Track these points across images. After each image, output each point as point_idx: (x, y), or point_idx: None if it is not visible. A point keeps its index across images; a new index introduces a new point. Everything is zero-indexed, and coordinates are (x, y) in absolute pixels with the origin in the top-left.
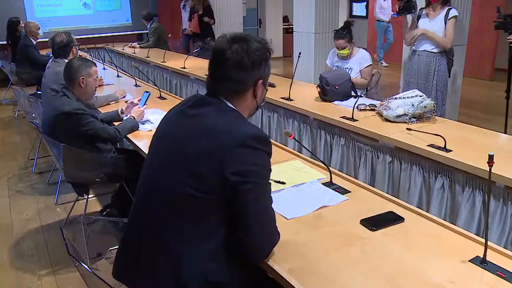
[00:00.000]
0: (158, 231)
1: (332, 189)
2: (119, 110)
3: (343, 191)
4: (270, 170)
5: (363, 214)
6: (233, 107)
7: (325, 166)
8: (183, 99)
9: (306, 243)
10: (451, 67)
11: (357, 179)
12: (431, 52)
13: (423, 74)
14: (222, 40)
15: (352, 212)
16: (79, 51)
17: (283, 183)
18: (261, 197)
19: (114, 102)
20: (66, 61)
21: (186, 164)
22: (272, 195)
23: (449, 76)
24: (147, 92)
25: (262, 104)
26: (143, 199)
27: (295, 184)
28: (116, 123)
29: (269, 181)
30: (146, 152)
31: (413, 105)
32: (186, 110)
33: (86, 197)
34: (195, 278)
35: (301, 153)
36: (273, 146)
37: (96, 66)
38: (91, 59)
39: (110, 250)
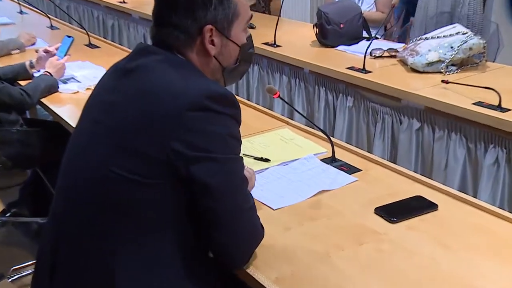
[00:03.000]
0: (82, 235)
1: (335, 167)
2: (27, 63)
3: (351, 169)
4: (239, 141)
5: (379, 200)
6: (187, 60)
7: (324, 136)
8: (126, 48)
9: (299, 242)
10: None
11: (371, 153)
12: None
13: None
14: None
15: (364, 198)
16: None
17: (266, 160)
18: (229, 178)
19: (17, 51)
20: None
21: (120, 139)
22: None
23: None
24: (69, 36)
25: (236, 65)
26: (64, 191)
27: (284, 161)
28: (23, 82)
29: (241, 155)
30: (72, 124)
31: (451, 47)
32: (124, 65)
33: None
34: None
35: (292, 119)
36: (254, 111)
37: None
38: None
39: (15, 268)
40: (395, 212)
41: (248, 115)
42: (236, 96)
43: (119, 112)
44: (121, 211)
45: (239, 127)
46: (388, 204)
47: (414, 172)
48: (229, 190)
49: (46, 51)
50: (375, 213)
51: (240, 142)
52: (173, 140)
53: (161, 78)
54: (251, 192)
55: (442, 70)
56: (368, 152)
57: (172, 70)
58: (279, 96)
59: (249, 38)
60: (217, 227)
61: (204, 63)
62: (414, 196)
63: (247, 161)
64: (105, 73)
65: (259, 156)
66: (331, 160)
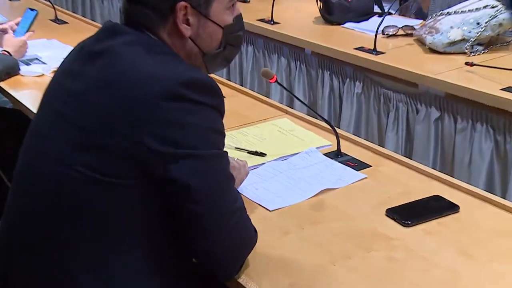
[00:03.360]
0: (39, 240)
1: (341, 162)
2: None
3: (359, 165)
4: (223, 134)
5: (392, 201)
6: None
7: (329, 127)
8: (99, 24)
9: (299, 248)
10: None
11: (383, 147)
12: None
13: None
14: None
15: (374, 198)
16: None
17: (262, 154)
18: (212, 176)
19: None
20: None
21: (84, 133)
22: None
23: None
24: (32, 10)
25: (220, 50)
26: (21, 191)
27: (282, 155)
28: None
29: (226, 150)
30: (35, 112)
31: (478, 23)
32: (91, 46)
33: None
34: None
35: (291, 107)
36: (248, 98)
37: None
38: None
39: None
40: (410, 214)
41: (241, 103)
42: (228, 82)
43: (84, 102)
44: (85, 215)
45: (222, 118)
46: (402, 205)
47: (433, 168)
48: (212, 191)
49: (2, 30)
50: (386, 215)
51: (224, 136)
52: (145, 135)
53: (131, 63)
54: (241, 186)
55: (466, 51)
56: (379, 145)
57: (144, 53)
58: (276, 81)
59: (238, 18)
60: (200, 233)
61: (179, 46)
62: (432, 196)
63: (239, 156)
64: (69, 53)
65: (253, 150)
66: (336, 155)
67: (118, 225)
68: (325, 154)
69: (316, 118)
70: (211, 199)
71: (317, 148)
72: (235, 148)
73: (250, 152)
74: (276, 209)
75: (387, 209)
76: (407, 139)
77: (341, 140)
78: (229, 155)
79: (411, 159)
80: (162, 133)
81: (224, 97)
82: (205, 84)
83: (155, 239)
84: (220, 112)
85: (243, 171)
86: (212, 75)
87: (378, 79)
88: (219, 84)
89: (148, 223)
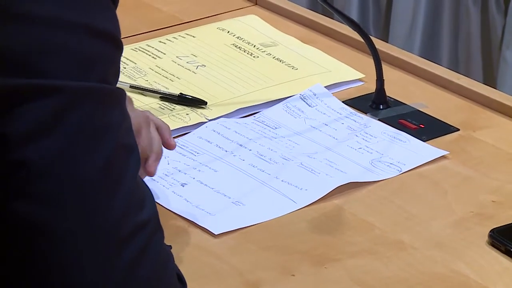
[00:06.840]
0: None
1: (386, 121)
2: None
3: (430, 126)
4: (118, 45)
5: (504, 210)
6: None
7: (356, 36)
8: None
9: None
10: None
11: (492, 86)
12: None
13: None
14: None
15: (463, 203)
16: None
17: (198, 102)
18: (86, 146)
19: None
20: None
21: None
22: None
23: None
24: None
25: None
26: None
27: (244, 105)
28: None
29: (122, 85)
30: None
31: None
32: None
33: None
34: None
35: None
36: None
37: None
38: None
39: None
40: None
41: None
42: None
43: None
44: None
45: (115, 8)
46: None
47: None
48: (86, 178)
49: None
50: (492, 242)
51: (120, 49)
52: None
53: None
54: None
55: None
56: (484, 83)
57: None
58: None
59: None
60: (50, 275)
61: None
62: None
63: (144, 104)
64: None
65: (176, 93)
66: (377, 103)
67: None
68: (345, 102)
69: (329, 16)
70: (84, 199)
71: (327, 87)
72: (131, 86)
73: (166, 97)
74: (230, 232)
75: (492, 230)
76: None
77: (388, 70)
78: None
79: None
80: None
81: None
82: None
83: None
84: None
85: (150, 129)
86: None
87: None
88: None
89: None
